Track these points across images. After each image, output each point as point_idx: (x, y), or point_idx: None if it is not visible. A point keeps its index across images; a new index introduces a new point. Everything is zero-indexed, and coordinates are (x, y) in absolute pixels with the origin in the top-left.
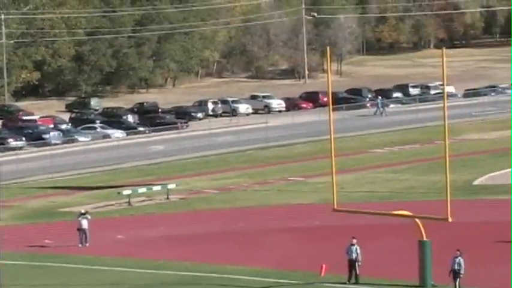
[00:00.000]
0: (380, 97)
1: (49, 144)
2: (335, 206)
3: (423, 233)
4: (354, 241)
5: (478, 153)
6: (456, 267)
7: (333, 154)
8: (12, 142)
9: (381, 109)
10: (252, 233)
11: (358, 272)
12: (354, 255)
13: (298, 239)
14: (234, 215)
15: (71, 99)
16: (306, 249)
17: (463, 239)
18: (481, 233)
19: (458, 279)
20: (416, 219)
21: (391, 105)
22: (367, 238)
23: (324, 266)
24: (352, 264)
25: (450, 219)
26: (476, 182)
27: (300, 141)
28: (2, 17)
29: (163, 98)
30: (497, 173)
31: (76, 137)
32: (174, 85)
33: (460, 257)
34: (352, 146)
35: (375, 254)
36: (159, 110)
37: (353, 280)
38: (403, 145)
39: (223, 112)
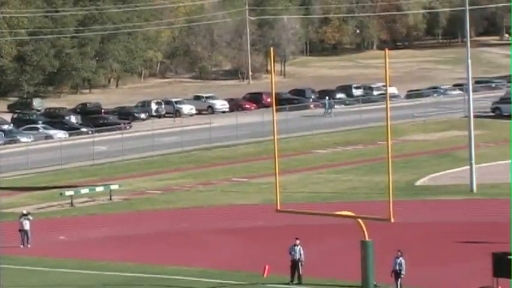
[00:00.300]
0: (328, 97)
1: None
2: (278, 207)
3: (365, 233)
4: (297, 242)
5: (420, 154)
6: (397, 268)
7: (276, 155)
8: None
9: (329, 110)
10: (196, 233)
11: (301, 273)
12: (297, 256)
13: (242, 239)
14: (178, 216)
15: (13, 99)
16: (249, 250)
17: (405, 239)
18: (423, 234)
19: (399, 279)
20: (359, 220)
21: (336, 106)
22: (311, 238)
23: (267, 266)
24: (295, 264)
25: (392, 220)
26: (418, 183)
27: (243, 142)
28: None
29: (107, 98)
30: (438, 173)
31: (18, 137)
32: (117, 85)
33: (401, 258)
34: (296, 147)
35: (318, 254)
36: (102, 111)
37: (296, 280)
38: (346, 146)
39: (167, 113)
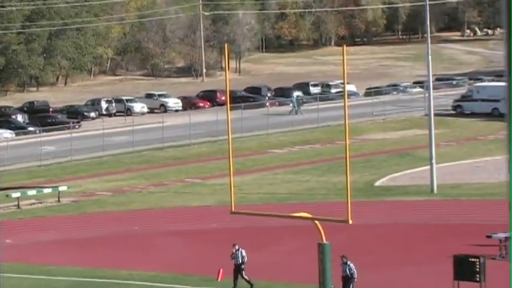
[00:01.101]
0: (296, 95)
1: None
2: (233, 208)
3: (323, 235)
4: (237, 247)
5: (379, 153)
6: (349, 273)
7: (231, 155)
8: None
9: (297, 108)
10: (147, 236)
11: (246, 277)
12: (239, 260)
13: (195, 242)
14: (128, 218)
15: None
16: (203, 253)
17: (363, 241)
18: (382, 236)
19: (352, 284)
20: (316, 221)
21: (291, 105)
22: (266, 241)
23: (221, 270)
24: (237, 269)
25: (351, 221)
26: (377, 183)
27: (197, 142)
28: None
29: (55, 96)
30: (398, 174)
31: None
32: (65, 83)
33: (349, 262)
34: (251, 147)
35: (274, 257)
36: (50, 109)
37: (247, 285)
38: (303, 145)
39: (118, 111)
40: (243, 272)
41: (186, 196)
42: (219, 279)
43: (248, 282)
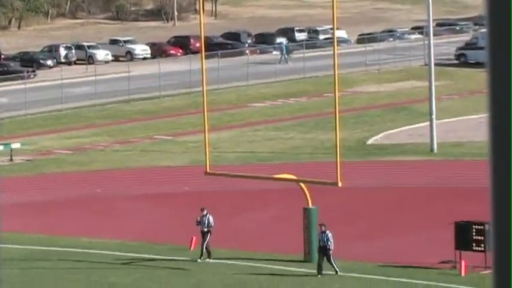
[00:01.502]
0: (285, 41)
1: None
2: (208, 169)
3: (309, 199)
4: (205, 212)
5: (373, 107)
6: (326, 243)
7: (205, 108)
8: None
9: (286, 56)
10: (111, 200)
11: (204, 246)
12: (206, 226)
13: (165, 207)
14: (90, 180)
15: None
16: (174, 219)
17: (354, 206)
18: (375, 200)
19: (329, 255)
20: (302, 184)
21: (274, 52)
22: (245, 206)
23: (194, 238)
24: (204, 236)
25: (340, 184)
26: (370, 141)
27: (168, 94)
28: None
29: (7, 41)
30: (394, 130)
31: None
32: (19, 27)
33: (327, 231)
34: (229, 99)
35: (254, 223)
36: (2, 57)
37: (203, 255)
38: (287, 98)
39: (78, 59)
40: (206, 239)
41: (154, 155)
42: (191, 248)
43: (202, 251)
